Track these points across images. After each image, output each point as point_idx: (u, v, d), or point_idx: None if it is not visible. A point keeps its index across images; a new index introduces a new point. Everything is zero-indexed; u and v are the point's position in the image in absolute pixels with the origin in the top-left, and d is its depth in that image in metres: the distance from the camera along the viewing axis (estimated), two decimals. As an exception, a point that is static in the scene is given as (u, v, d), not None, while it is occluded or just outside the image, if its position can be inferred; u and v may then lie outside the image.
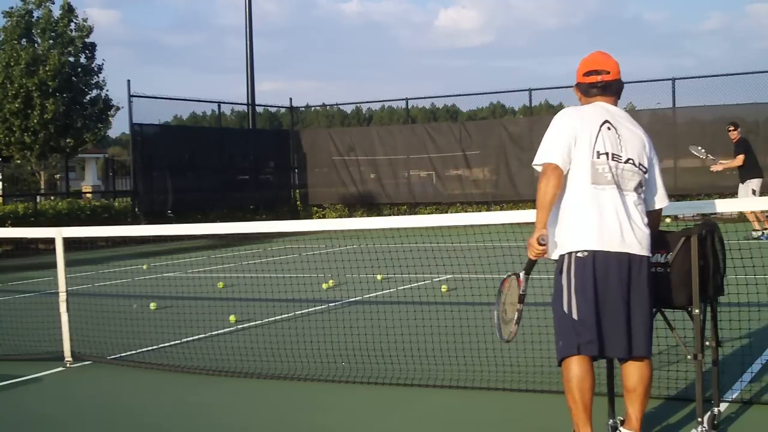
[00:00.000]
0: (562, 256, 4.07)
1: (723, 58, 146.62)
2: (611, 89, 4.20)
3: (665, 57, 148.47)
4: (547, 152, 4.05)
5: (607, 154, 4.01)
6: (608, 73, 4.17)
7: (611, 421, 4.45)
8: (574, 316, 3.99)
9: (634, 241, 3.98)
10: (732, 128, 15.52)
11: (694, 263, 4.17)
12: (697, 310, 4.21)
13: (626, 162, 4.05)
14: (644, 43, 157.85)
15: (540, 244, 4.05)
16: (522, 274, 4.37)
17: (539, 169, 4.09)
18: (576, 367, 3.99)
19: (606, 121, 4.07)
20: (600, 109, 4.14)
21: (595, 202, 3.99)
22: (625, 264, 3.98)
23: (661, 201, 4.30)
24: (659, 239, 4.23)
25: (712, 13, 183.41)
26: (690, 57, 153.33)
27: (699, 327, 4.25)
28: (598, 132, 4.03)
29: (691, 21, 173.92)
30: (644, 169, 4.11)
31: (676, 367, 5.37)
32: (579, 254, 3.99)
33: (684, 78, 22.00)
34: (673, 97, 21.88)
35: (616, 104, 4.23)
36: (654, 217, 4.27)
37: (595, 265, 3.96)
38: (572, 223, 4.03)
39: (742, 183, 14.99)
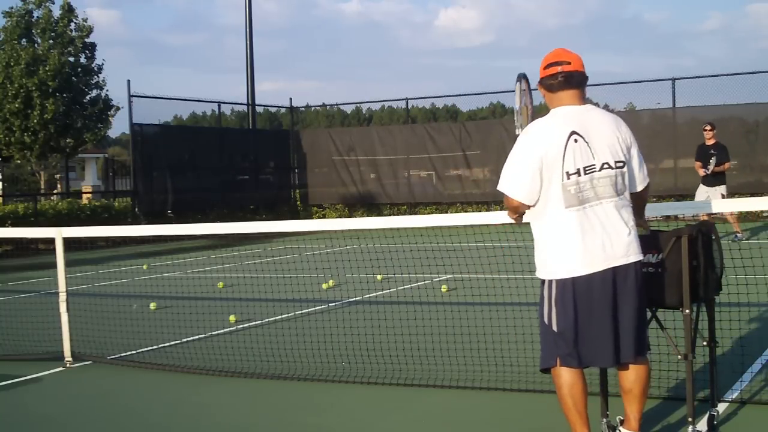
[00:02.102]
0: (543, 280, 4.05)
1: (723, 58, 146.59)
2: (573, 80, 4.02)
3: (665, 57, 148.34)
4: (513, 185, 3.97)
5: (578, 171, 3.87)
6: (569, 63, 4.02)
7: (605, 420, 4.46)
8: (554, 328, 3.96)
9: (619, 252, 3.89)
10: (709, 128, 15.02)
11: (684, 263, 4.15)
12: (687, 311, 4.20)
13: (601, 169, 3.91)
14: (644, 43, 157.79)
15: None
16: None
17: (505, 192, 4.01)
18: (565, 374, 3.98)
19: (573, 133, 3.90)
20: (564, 119, 3.97)
21: (572, 226, 3.88)
22: (609, 278, 3.89)
23: (641, 182, 4.15)
24: (652, 239, 4.22)
25: (712, 13, 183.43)
26: (690, 57, 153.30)
27: (689, 327, 4.24)
28: (565, 149, 3.87)
29: (691, 21, 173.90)
30: (622, 164, 3.97)
31: (676, 367, 5.37)
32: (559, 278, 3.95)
33: (684, 78, 22.01)
34: (673, 97, 21.90)
35: (581, 98, 4.06)
36: (640, 196, 4.16)
37: (576, 287, 3.90)
38: (551, 250, 3.96)
39: (712, 187, 14.40)
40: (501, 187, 4.03)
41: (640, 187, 4.14)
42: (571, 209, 3.88)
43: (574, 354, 3.93)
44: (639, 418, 4.12)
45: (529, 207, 4.00)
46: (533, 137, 3.98)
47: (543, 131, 3.97)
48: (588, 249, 3.87)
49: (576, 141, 3.90)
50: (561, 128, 3.93)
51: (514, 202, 3.99)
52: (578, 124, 3.94)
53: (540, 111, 4.28)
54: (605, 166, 3.92)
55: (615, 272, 3.90)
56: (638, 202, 4.16)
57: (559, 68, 4.02)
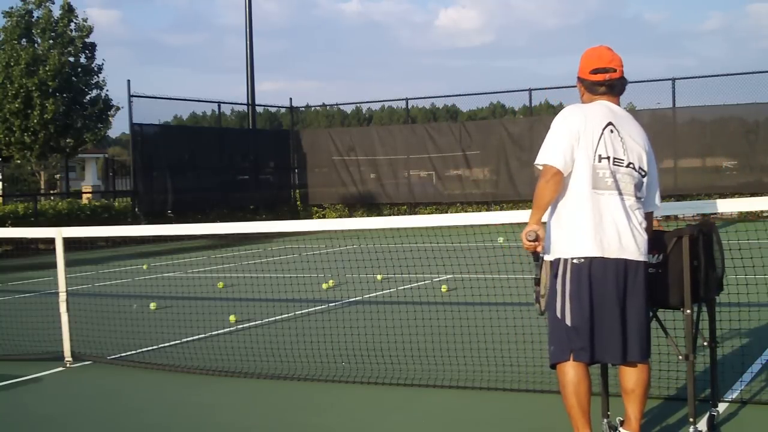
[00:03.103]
0: (557, 260, 4.02)
1: (723, 58, 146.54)
2: (617, 88, 4.12)
3: (665, 57, 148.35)
4: (550, 154, 3.95)
5: (608, 158, 3.95)
6: (615, 71, 4.08)
7: (606, 420, 4.46)
8: (568, 322, 3.95)
9: (632, 246, 3.94)
10: None
11: (685, 263, 4.15)
12: (688, 311, 4.20)
13: (627, 166, 3.99)
14: (644, 43, 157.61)
15: (529, 240, 3.96)
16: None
17: (541, 168, 4.02)
18: (571, 372, 3.97)
19: (609, 123, 4.00)
20: (604, 109, 4.06)
21: (595, 207, 3.93)
22: (622, 270, 3.94)
23: (652, 205, 4.21)
24: (653, 239, 4.21)
25: (712, 13, 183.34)
26: (690, 57, 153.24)
27: (690, 327, 4.24)
28: (601, 134, 3.96)
29: (691, 21, 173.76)
30: (644, 173, 4.06)
31: (677, 367, 5.37)
32: (575, 260, 3.95)
33: (684, 78, 22.06)
34: (673, 97, 21.94)
35: (618, 103, 4.16)
36: (649, 219, 4.23)
37: (592, 272, 3.92)
38: (570, 229, 3.97)
39: None
40: (538, 158, 4.00)
41: (650, 208, 4.20)
42: (596, 191, 3.94)
43: (587, 348, 3.94)
44: (640, 419, 4.12)
45: (563, 178, 3.94)
46: (573, 115, 4.03)
47: (582, 111, 4.05)
48: (606, 234, 3.92)
49: (612, 132, 3.99)
50: (601, 115, 4.02)
51: (549, 171, 3.93)
52: (615, 120, 4.04)
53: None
54: (630, 165, 4.01)
55: (627, 266, 3.94)
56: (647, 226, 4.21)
57: (606, 76, 4.08)
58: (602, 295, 3.93)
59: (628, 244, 3.94)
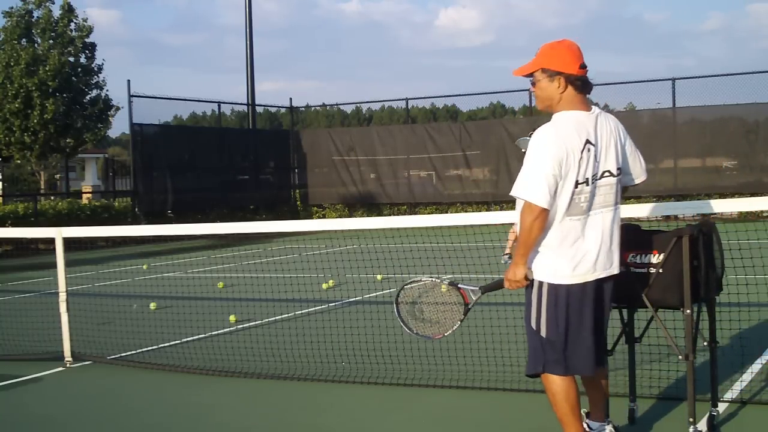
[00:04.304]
0: (532, 279, 3.95)
1: (723, 58, 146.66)
2: (590, 86, 3.96)
3: (665, 57, 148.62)
4: (537, 192, 3.75)
5: (586, 180, 3.81)
6: (586, 67, 3.93)
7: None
8: (543, 334, 3.93)
9: (607, 263, 3.91)
10: None
11: (685, 263, 4.14)
12: (688, 311, 4.20)
13: (602, 176, 3.87)
14: (644, 43, 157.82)
15: (526, 279, 3.91)
16: (472, 293, 4.06)
17: (521, 200, 3.86)
18: (559, 381, 3.96)
19: (587, 142, 3.82)
20: (579, 126, 3.85)
21: (572, 235, 3.84)
22: (600, 287, 3.95)
23: (639, 176, 4.15)
24: (653, 239, 4.22)
25: (713, 13, 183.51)
26: (690, 57, 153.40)
27: (690, 327, 4.24)
28: (580, 158, 3.79)
29: (691, 21, 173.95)
30: (620, 171, 3.96)
31: (677, 367, 5.37)
32: (550, 282, 3.90)
33: (684, 78, 22.05)
34: (673, 97, 21.94)
35: (589, 102, 3.98)
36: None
37: (569, 296, 3.88)
38: (548, 255, 3.89)
39: None
40: (522, 191, 3.81)
41: (638, 180, 4.19)
42: (572, 218, 3.84)
43: (561, 361, 3.93)
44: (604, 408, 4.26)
45: (548, 214, 3.80)
46: (555, 145, 3.79)
47: (562, 137, 3.82)
48: (584, 259, 3.86)
49: (589, 150, 3.83)
50: (578, 137, 3.82)
51: (536, 210, 3.76)
52: (590, 133, 3.86)
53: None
54: (606, 174, 3.90)
55: (603, 281, 3.95)
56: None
57: (586, 71, 3.91)
58: (579, 313, 3.91)
59: (602, 264, 3.90)
